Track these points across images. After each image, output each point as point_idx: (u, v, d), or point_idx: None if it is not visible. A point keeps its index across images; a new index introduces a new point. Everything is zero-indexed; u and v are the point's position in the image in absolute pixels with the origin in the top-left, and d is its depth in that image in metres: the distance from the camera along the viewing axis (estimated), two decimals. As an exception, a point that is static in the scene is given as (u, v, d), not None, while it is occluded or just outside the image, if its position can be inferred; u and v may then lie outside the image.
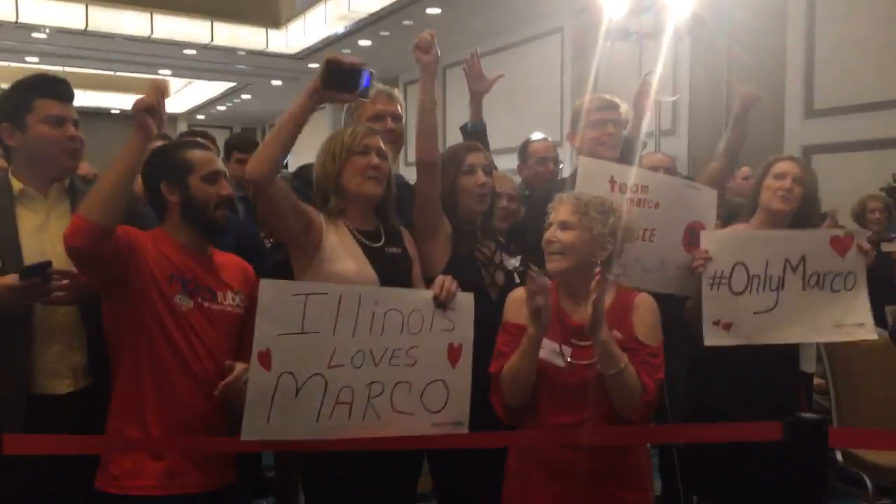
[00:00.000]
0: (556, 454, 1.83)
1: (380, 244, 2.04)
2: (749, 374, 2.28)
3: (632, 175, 2.29)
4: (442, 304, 1.86)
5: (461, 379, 1.86)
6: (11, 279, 1.71)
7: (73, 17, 8.51)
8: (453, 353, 1.86)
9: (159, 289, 1.77)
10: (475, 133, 2.72)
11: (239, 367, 1.75)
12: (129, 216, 1.80)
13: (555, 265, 1.85)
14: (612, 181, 2.28)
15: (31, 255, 1.81)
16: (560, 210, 1.88)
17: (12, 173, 1.93)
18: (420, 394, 1.81)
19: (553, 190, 2.27)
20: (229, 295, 1.89)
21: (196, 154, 1.90)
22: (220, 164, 1.94)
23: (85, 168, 3.19)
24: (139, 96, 1.78)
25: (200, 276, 1.86)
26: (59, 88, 1.93)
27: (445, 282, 1.88)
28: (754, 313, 2.27)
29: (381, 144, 2.05)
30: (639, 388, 1.74)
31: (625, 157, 2.50)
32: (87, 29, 8.66)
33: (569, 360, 1.81)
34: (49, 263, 1.73)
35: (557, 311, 1.85)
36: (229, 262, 1.98)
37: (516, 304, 1.90)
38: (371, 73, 1.87)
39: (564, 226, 1.85)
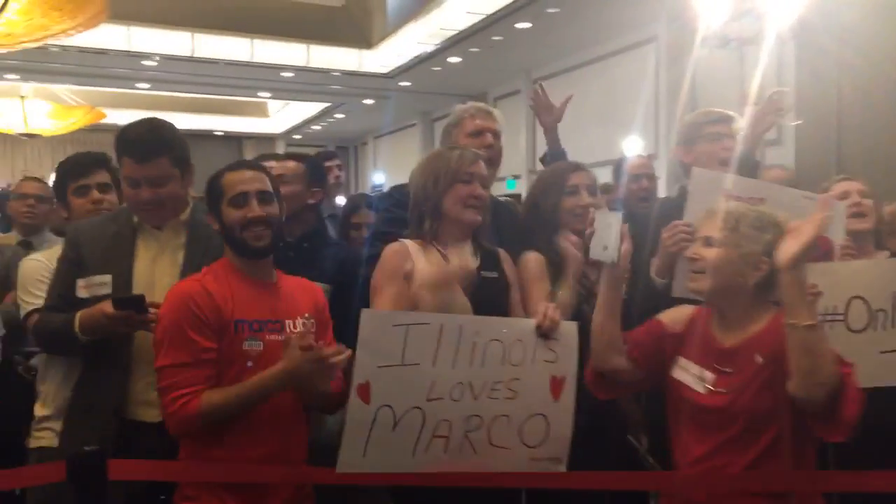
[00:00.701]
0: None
1: (474, 268, 1.99)
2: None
3: (747, 186, 2.12)
4: (545, 333, 1.78)
5: (563, 413, 1.77)
6: (109, 307, 1.77)
7: (180, 45, 8.96)
8: (556, 386, 1.78)
9: (229, 338, 1.74)
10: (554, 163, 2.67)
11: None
12: None
13: (696, 284, 1.68)
14: (726, 193, 2.13)
15: (140, 286, 1.88)
16: (707, 224, 1.69)
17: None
18: (519, 428, 1.74)
19: (659, 209, 2.16)
20: (299, 322, 1.82)
21: (228, 178, 1.83)
22: (251, 185, 1.82)
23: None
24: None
25: (266, 309, 1.80)
26: (135, 149, 1.92)
27: (548, 310, 1.80)
28: (881, 353, 2.03)
29: (485, 171, 2.00)
30: (832, 356, 1.46)
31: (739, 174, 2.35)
32: (193, 55, 9.09)
33: (709, 386, 1.62)
34: (142, 297, 1.78)
35: (705, 335, 1.69)
36: (297, 287, 1.92)
37: None
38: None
39: (709, 242, 1.66)
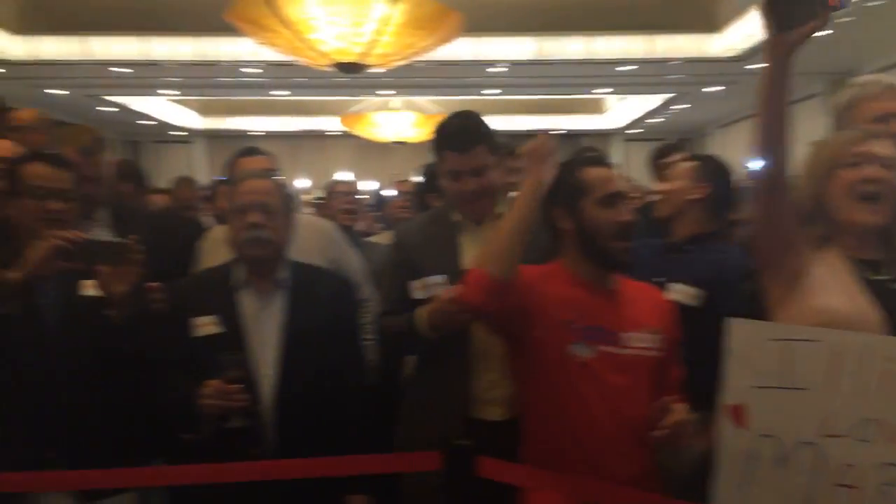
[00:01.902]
0: None
1: (884, 277, 1.61)
2: None
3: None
4: None
5: None
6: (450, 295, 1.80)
7: (524, 50, 9.37)
8: None
9: (555, 339, 1.63)
10: None
11: (679, 409, 1.53)
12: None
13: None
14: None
15: None
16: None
17: (452, 208, 2.07)
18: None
19: None
20: (641, 336, 1.66)
21: (592, 173, 1.70)
22: (620, 185, 1.71)
23: None
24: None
25: (603, 318, 1.66)
26: (456, 140, 1.95)
27: None
28: None
29: (888, 152, 1.59)
30: None
31: None
32: (537, 58, 9.44)
33: None
34: None
35: None
36: (642, 296, 1.75)
37: None
38: None
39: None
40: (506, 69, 9.96)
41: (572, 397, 1.64)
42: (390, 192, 4.24)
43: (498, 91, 11.88)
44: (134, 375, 1.89)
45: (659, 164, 3.61)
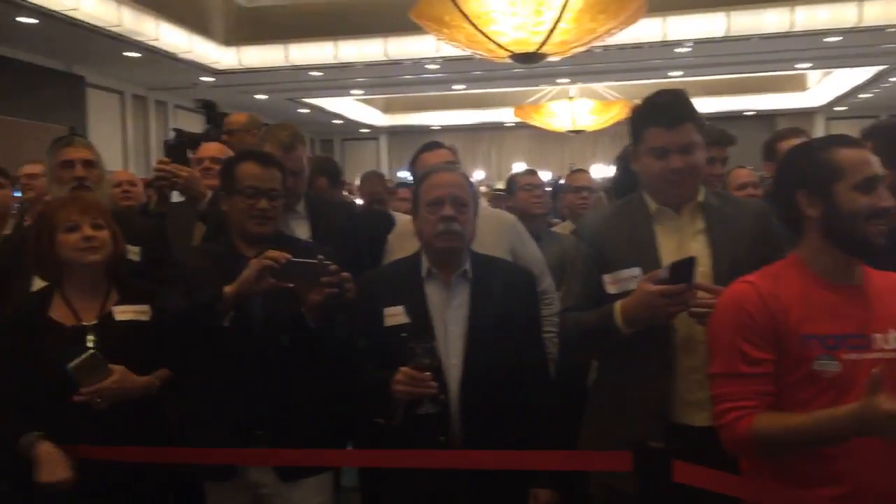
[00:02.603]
0: None
1: None
2: None
3: None
4: None
5: None
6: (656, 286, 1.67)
7: (713, 27, 8.79)
8: None
9: (795, 356, 1.47)
10: None
11: None
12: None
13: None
14: None
15: None
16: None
17: (647, 193, 1.93)
18: None
19: None
20: (892, 336, 1.46)
21: (846, 155, 1.50)
22: (877, 167, 1.50)
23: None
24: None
25: (846, 320, 1.47)
26: (664, 115, 1.82)
27: None
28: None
29: None
30: None
31: None
32: (728, 35, 8.81)
33: None
34: (692, 260, 1.64)
35: None
36: (892, 287, 1.53)
37: None
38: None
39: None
40: (690, 49, 9.41)
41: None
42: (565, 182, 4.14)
43: (681, 73, 11.27)
44: (330, 364, 2.00)
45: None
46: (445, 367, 1.89)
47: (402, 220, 2.66)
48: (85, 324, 2.00)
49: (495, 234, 2.42)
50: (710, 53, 9.69)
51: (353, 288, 2.04)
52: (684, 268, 1.64)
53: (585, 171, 4.08)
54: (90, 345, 1.95)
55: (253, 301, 1.98)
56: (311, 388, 2.02)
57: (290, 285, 1.89)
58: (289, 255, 1.87)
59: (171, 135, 2.59)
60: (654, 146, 1.83)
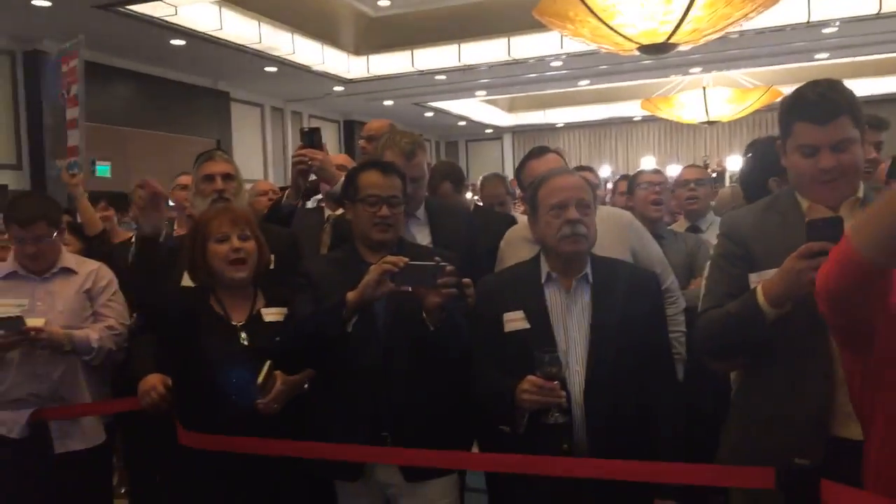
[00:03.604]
0: None
1: None
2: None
3: None
4: None
5: None
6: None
7: (864, 4, 8.07)
8: None
9: None
10: None
11: None
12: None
13: None
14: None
15: None
16: None
17: (798, 192, 1.78)
18: None
19: None
20: None
21: None
22: None
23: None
24: None
25: None
26: (815, 110, 1.66)
27: None
28: None
29: None
30: None
31: None
32: (880, 12, 8.07)
33: None
34: (841, 220, 1.49)
35: None
36: None
37: None
38: None
39: None
40: (837, 28, 8.70)
41: None
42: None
43: (827, 55, 10.45)
44: (454, 368, 2.01)
45: None
46: (568, 374, 1.85)
47: (515, 225, 2.63)
48: (235, 323, 2.16)
49: (614, 233, 2.34)
50: (861, 32, 8.90)
51: (473, 293, 2.03)
52: (829, 227, 1.47)
53: (697, 166, 3.82)
54: (244, 342, 2.13)
55: (377, 307, 2.03)
56: (435, 391, 2.05)
57: (409, 289, 1.91)
58: (406, 259, 1.90)
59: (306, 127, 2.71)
60: (803, 143, 1.69)
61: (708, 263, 1.97)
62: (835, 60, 10.99)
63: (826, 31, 8.86)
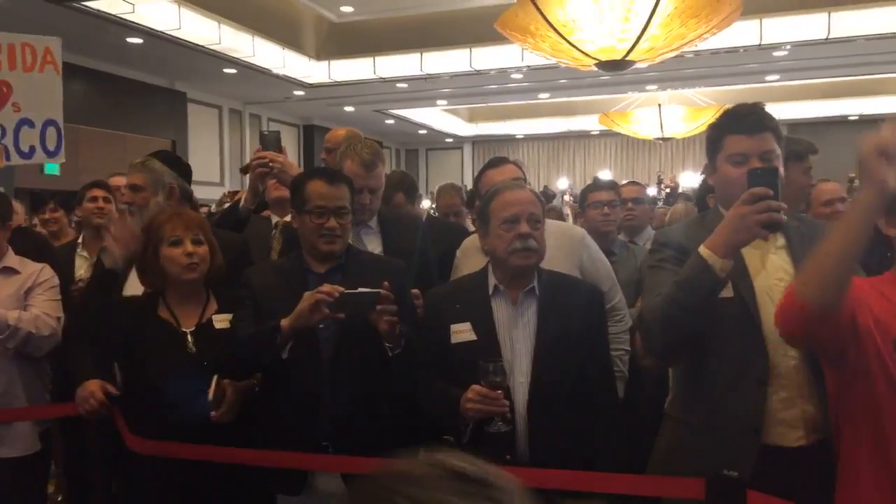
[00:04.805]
0: None
1: None
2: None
3: None
4: None
5: None
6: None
7: (813, 28, 8.37)
8: None
9: (884, 358, 1.42)
10: None
11: None
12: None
13: None
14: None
15: None
16: None
17: (723, 207, 1.86)
18: None
19: None
20: None
21: None
22: None
23: None
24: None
25: None
26: (745, 122, 1.78)
27: None
28: None
29: None
30: None
31: None
32: (829, 37, 8.37)
33: None
34: (777, 171, 1.62)
35: None
36: None
37: None
38: None
39: None
40: (788, 52, 9.00)
41: (892, 426, 1.44)
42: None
43: (778, 77, 10.79)
44: (398, 380, 2.02)
45: None
46: (512, 385, 1.88)
47: (472, 235, 2.65)
48: (185, 330, 2.15)
49: (564, 249, 2.37)
50: (811, 56, 9.23)
51: (421, 304, 2.05)
52: (767, 175, 1.58)
53: (636, 183, 3.85)
54: (192, 349, 2.13)
55: (319, 332, 2.02)
56: (378, 401, 2.05)
57: (342, 316, 1.92)
58: (341, 289, 1.90)
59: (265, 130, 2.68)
60: (734, 152, 1.78)
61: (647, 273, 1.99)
62: (785, 82, 11.36)
63: (776, 53, 9.16)
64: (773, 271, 1.77)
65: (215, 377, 2.03)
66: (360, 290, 1.89)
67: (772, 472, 1.64)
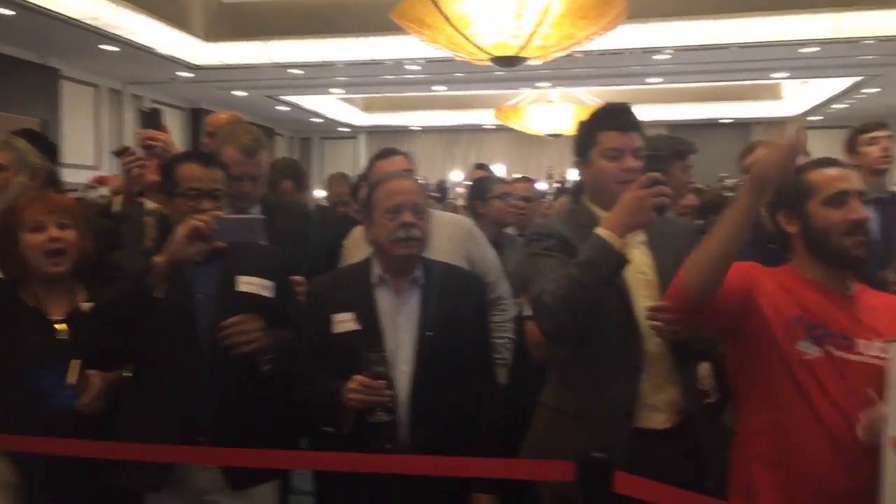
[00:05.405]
0: None
1: None
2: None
3: None
4: None
5: None
6: None
7: (692, 34, 8.83)
8: None
9: (778, 334, 1.58)
10: None
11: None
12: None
13: None
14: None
15: None
16: None
17: (592, 202, 1.96)
18: None
19: None
20: (875, 345, 1.55)
21: (818, 175, 1.63)
22: (848, 183, 1.61)
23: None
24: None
25: (834, 320, 1.58)
26: (619, 119, 1.89)
27: None
28: None
29: None
30: None
31: None
32: (706, 43, 8.88)
33: None
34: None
35: None
36: (883, 306, 1.64)
37: None
38: None
39: None
40: (670, 56, 9.47)
41: (795, 397, 1.57)
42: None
43: (660, 80, 11.35)
44: (279, 369, 1.98)
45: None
46: (395, 375, 1.88)
47: (359, 226, 2.63)
48: (54, 317, 2.03)
49: (451, 240, 2.40)
50: (689, 61, 9.75)
51: (303, 291, 2.01)
52: (658, 163, 1.81)
53: (528, 179, 3.99)
54: (63, 336, 2.01)
55: (199, 312, 1.95)
56: (256, 394, 2.00)
57: (222, 245, 1.87)
58: (218, 213, 1.84)
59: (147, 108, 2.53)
60: (609, 147, 1.87)
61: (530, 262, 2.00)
62: (666, 85, 11.95)
63: (657, 57, 9.61)
64: (636, 265, 1.86)
65: (74, 362, 1.92)
66: (240, 216, 1.85)
67: (642, 454, 1.73)
